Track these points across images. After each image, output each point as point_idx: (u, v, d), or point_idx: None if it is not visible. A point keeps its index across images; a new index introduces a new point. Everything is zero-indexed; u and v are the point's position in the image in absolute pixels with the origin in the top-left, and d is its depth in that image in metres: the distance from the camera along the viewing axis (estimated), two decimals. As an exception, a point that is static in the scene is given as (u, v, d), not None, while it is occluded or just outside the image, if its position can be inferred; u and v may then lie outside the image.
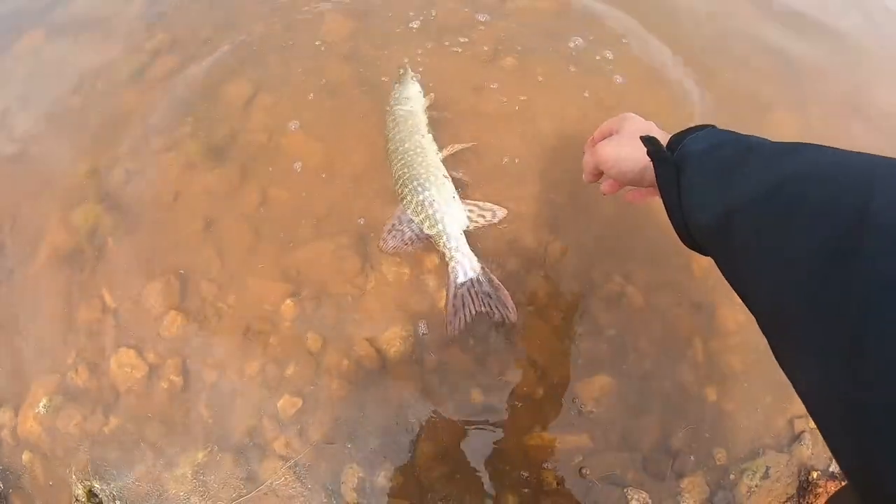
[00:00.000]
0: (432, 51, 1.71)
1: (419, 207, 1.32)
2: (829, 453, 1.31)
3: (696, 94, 1.69)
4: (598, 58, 1.72)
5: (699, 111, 1.64)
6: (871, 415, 0.40)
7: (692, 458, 1.26)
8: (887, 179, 0.46)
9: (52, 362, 1.39)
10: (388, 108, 1.51)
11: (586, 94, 1.63)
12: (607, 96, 1.64)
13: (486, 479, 1.22)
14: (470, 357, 1.29)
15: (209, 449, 1.27)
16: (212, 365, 1.33)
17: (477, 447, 1.24)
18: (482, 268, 1.27)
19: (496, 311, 1.24)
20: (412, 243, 1.33)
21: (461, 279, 1.26)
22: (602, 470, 1.23)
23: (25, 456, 1.34)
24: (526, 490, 1.20)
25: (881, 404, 0.39)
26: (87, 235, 1.52)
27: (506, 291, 1.25)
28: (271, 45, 1.81)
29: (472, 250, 1.30)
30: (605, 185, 0.89)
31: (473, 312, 1.25)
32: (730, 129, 0.71)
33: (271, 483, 1.23)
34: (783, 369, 0.52)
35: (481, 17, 1.79)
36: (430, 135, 1.44)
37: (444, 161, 1.40)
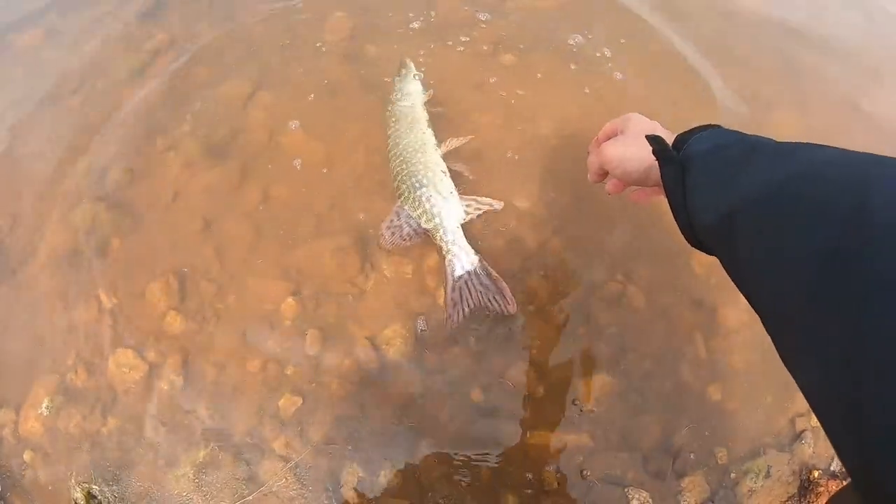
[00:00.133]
0: (434, 50, 1.71)
1: (416, 203, 1.32)
2: (830, 452, 1.32)
3: (696, 92, 1.68)
4: (597, 55, 1.72)
5: (699, 108, 1.64)
6: (871, 415, 0.40)
7: (693, 457, 1.26)
8: (884, 179, 0.46)
9: (52, 362, 1.39)
10: (388, 103, 1.51)
11: (587, 91, 1.63)
12: (607, 93, 1.64)
13: (486, 478, 1.22)
14: (470, 356, 1.29)
15: (209, 449, 1.27)
16: (212, 364, 1.33)
17: (477, 446, 1.23)
18: (479, 260, 1.28)
19: (495, 303, 1.25)
20: (410, 238, 1.33)
21: (458, 272, 1.26)
22: (603, 469, 1.23)
23: (27, 455, 1.34)
24: (526, 489, 1.20)
25: (881, 404, 0.39)
26: (86, 235, 1.52)
27: (504, 283, 1.25)
28: (271, 44, 1.81)
29: (471, 246, 1.30)
30: (609, 185, 0.90)
31: (472, 305, 1.25)
32: (732, 128, 0.71)
33: (272, 484, 1.23)
34: (787, 368, 0.52)
35: (482, 16, 1.79)
36: (430, 130, 1.44)
37: (444, 157, 1.40)
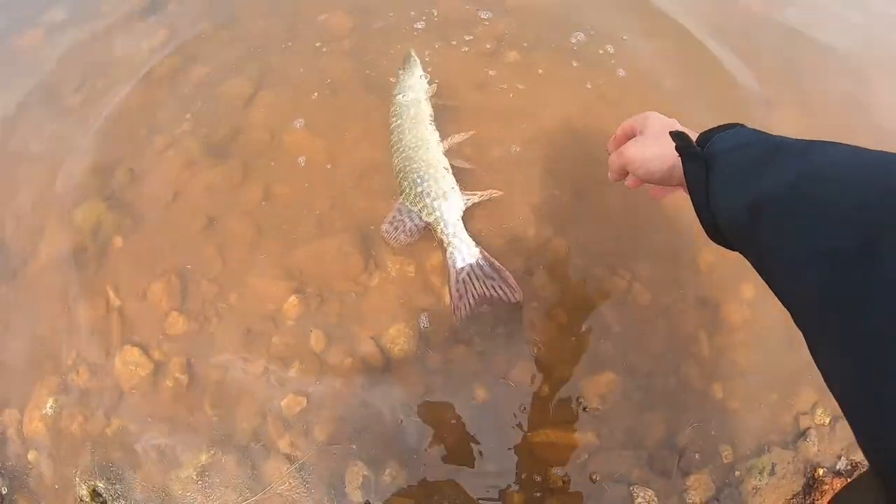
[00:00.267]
0: (438, 49, 1.71)
1: (417, 198, 1.33)
2: (835, 450, 1.32)
3: (698, 91, 1.68)
4: (600, 52, 1.71)
5: (701, 107, 1.63)
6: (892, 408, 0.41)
7: (698, 455, 1.26)
8: None
9: (56, 362, 1.39)
10: (392, 96, 1.50)
11: (588, 86, 1.63)
12: (609, 90, 1.63)
13: (491, 477, 1.21)
14: (475, 355, 1.29)
15: (214, 448, 1.27)
16: (216, 364, 1.33)
17: (482, 445, 1.23)
18: (481, 251, 1.28)
19: (500, 292, 1.25)
20: (412, 234, 1.33)
21: (460, 264, 1.27)
22: (608, 468, 1.23)
23: (31, 455, 1.34)
24: (532, 488, 1.20)
25: None
26: (89, 234, 1.52)
27: (507, 272, 1.26)
28: (272, 43, 1.80)
29: (472, 239, 1.30)
30: (629, 181, 0.90)
31: (477, 296, 1.25)
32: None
33: (276, 485, 1.23)
34: (815, 361, 0.53)
35: (483, 15, 1.79)
36: (433, 125, 1.44)
37: (446, 153, 1.40)
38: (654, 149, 0.79)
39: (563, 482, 1.21)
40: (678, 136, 0.72)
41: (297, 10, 1.87)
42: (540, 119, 1.57)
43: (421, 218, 1.32)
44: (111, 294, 1.43)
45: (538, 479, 1.21)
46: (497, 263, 1.27)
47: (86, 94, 1.82)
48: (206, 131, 1.62)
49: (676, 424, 1.27)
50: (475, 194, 1.35)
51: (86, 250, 1.50)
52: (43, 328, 1.44)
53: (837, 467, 1.31)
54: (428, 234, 1.34)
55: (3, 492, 1.32)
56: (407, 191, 1.35)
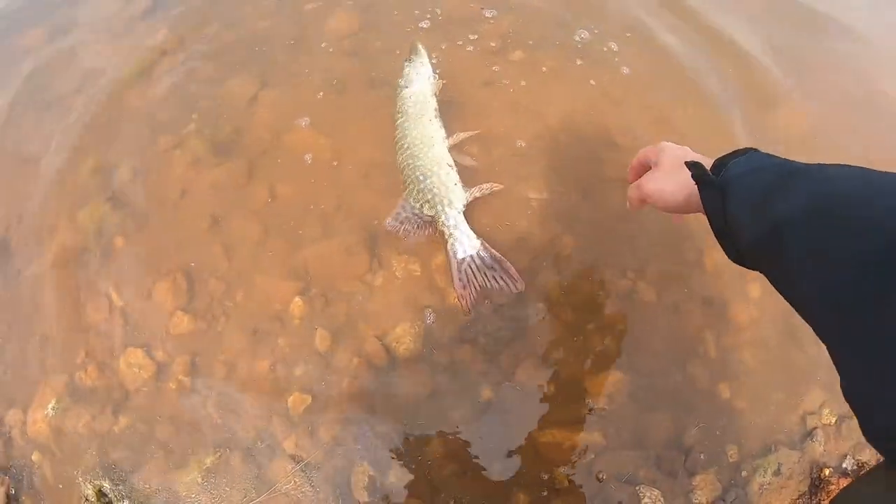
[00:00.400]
0: (444, 49, 1.70)
1: (420, 195, 1.34)
2: (841, 450, 1.32)
3: (700, 88, 1.67)
4: (604, 49, 1.71)
5: (703, 105, 1.63)
6: None
7: (704, 455, 1.26)
8: None
9: (60, 362, 1.39)
10: (397, 90, 1.50)
11: (592, 83, 1.63)
12: (613, 88, 1.63)
13: (497, 477, 1.21)
14: (480, 354, 1.29)
15: (219, 448, 1.27)
16: (221, 363, 1.33)
17: (488, 445, 1.23)
18: (482, 243, 1.29)
19: (502, 283, 1.25)
20: (416, 229, 1.34)
21: (461, 255, 1.27)
22: (614, 468, 1.22)
23: (35, 456, 1.34)
24: (538, 488, 1.20)
25: None
26: (93, 234, 1.51)
27: (508, 263, 1.26)
28: (276, 42, 1.79)
29: (473, 232, 1.30)
30: (633, 205, 0.96)
31: (479, 287, 1.27)
32: (762, 149, 0.74)
33: (282, 485, 1.22)
34: (835, 365, 0.55)
35: (487, 13, 1.78)
36: (439, 121, 1.43)
37: (451, 150, 1.40)
38: (670, 182, 0.83)
39: (569, 482, 1.21)
40: (694, 166, 0.76)
41: (301, 10, 1.87)
42: (544, 116, 1.56)
43: (424, 212, 1.33)
44: (114, 294, 1.43)
45: (544, 478, 1.21)
46: (498, 254, 1.27)
47: (89, 93, 1.82)
48: (211, 130, 1.62)
49: (682, 424, 1.27)
50: (477, 189, 1.37)
51: (91, 250, 1.50)
52: (48, 328, 1.44)
53: (844, 467, 1.31)
54: (432, 235, 1.34)
55: (11, 492, 1.32)
56: (411, 186, 1.35)
